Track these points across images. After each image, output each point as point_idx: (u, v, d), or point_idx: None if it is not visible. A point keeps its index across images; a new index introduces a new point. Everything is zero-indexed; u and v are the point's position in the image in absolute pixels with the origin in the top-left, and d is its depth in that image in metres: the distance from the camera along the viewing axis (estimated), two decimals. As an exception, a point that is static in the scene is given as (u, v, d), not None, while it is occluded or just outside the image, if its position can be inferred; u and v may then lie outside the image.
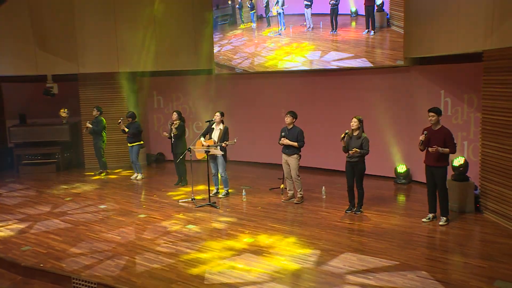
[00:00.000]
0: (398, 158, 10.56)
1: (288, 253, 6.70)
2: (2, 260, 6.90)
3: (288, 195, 9.33)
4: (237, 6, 12.23)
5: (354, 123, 8.20)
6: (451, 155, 7.71)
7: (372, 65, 10.07)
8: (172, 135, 10.54)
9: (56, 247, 7.21)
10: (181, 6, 12.73)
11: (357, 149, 8.02)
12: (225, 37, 12.59)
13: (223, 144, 9.32)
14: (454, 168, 8.37)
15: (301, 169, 10.47)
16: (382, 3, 9.71)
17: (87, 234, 7.77)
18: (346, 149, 8.24)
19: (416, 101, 10.01)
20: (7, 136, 13.35)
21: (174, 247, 7.07)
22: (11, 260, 6.80)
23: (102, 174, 12.28)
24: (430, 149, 7.47)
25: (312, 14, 10.92)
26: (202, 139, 9.56)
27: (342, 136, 8.21)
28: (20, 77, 12.83)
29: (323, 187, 9.70)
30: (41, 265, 6.53)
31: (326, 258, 6.46)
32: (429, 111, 7.60)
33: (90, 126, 11.94)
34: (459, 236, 7.19)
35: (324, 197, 9.51)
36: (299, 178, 9.06)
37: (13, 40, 12.02)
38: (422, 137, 7.56)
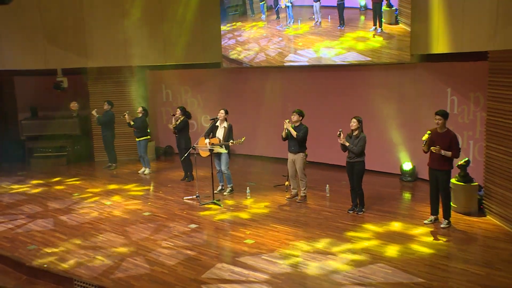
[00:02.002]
0: (403, 156, 10.49)
1: (287, 256, 6.75)
2: (8, 259, 7.09)
3: (292, 193, 9.36)
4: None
5: (353, 123, 8.20)
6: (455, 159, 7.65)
7: (378, 62, 9.97)
8: (174, 128, 10.62)
9: (60, 246, 7.37)
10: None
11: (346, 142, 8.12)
12: (235, 29, 12.53)
13: (230, 143, 9.36)
14: (457, 167, 8.29)
15: (308, 164, 10.47)
16: (390, -2, 9.58)
17: (91, 232, 7.92)
18: (344, 148, 8.24)
19: (423, 98, 9.92)
20: (19, 129, 13.56)
21: (175, 248, 7.17)
22: (17, 259, 6.98)
23: (111, 168, 12.45)
24: (432, 148, 7.40)
25: (321, 7, 10.78)
26: (207, 140, 9.58)
27: (338, 133, 8.24)
28: (31, 70, 12.98)
29: (327, 185, 9.71)
30: (45, 265, 6.69)
31: (324, 263, 6.51)
32: (436, 113, 7.49)
33: (96, 115, 12.11)
34: (460, 240, 7.16)
35: (328, 195, 9.53)
36: (305, 177, 9.08)
37: (23, 35, 12.13)
38: (424, 137, 7.47)
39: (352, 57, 10.38)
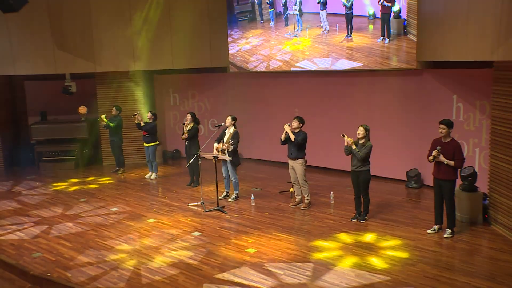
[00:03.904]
0: (409, 162, 10.43)
1: (287, 266, 6.75)
2: (13, 267, 7.19)
3: (296, 200, 9.37)
4: (256, 2, 12.13)
5: (360, 131, 8.16)
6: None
7: (387, 62, 9.91)
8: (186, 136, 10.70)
9: (64, 254, 7.46)
10: (196, 4, 12.72)
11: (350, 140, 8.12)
12: (244, 36, 12.53)
13: (224, 146, 9.41)
14: (462, 177, 8.21)
15: (314, 169, 10.47)
16: (399, 10, 9.47)
17: (96, 240, 8.00)
18: (348, 152, 8.26)
19: (429, 105, 9.86)
20: (29, 133, 13.72)
21: (178, 256, 7.22)
22: (22, 267, 7.08)
23: (118, 172, 12.56)
24: (434, 152, 7.36)
25: (329, 14, 10.73)
26: (216, 145, 9.65)
27: (342, 135, 8.33)
28: (41, 75, 13.16)
29: (332, 192, 9.70)
30: (48, 274, 6.78)
31: (324, 273, 6.50)
32: (440, 123, 7.44)
33: (105, 120, 12.22)
34: (463, 251, 7.11)
35: (332, 202, 9.51)
36: (306, 184, 9.08)
37: (33, 40, 12.31)
38: (435, 153, 7.40)
39: (358, 65, 10.35)
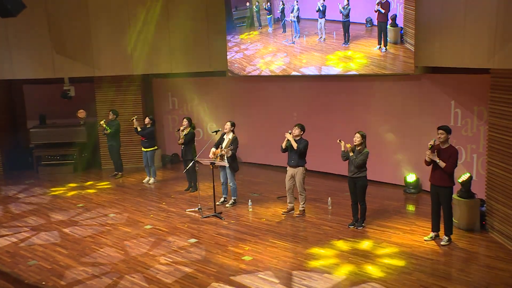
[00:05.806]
0: (407, 167, 10.39)
1: (283, 275, 6.73)
2: (8, 275, 7.17)
3: (288, 207, 9.29)
4: (255, 8, 12.10)
5: (357, 138, 8.13)
6: (458, 172, 7.56)
7: (384, 72, 9.89)
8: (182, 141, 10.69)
9: (60, 262, 7.44)
10: (195, 8, 12.71)
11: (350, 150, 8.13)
12: (242, 42, 12.50)
13: (223, 152, 9.38)
14: (459, 183, 8.18)
15: (312, 173, 10.42)
16: (395, 17, 9.44)
17: (92, 247, 7.98)
18: (345, 157, 8.24)
19: (427, 110, 9.83)
20: (28, 137, 13.72)
21: (173, 264, 7.20)
22: (16, 276, 7.06)
23: (117, 176, 12.54)
24: (431, 141, 7.36)
25: (327, 21, 10.69)
26: (213, 149, 9.64)
27: (338, 141, 8.35)
28: (40, 79, 13.14)
29: (329, 198, 9.67)
30: (43, 283, 6.77)
31: (319, 283, 6.46)
32: (439, 128, 7.42)
33: (104, 125, 12.19)
34: (459, 259, 7.08)
35: (330, 208, 9.48)
36: (304, 192, 9.03)
37: (32, 45, 12.31)
38: (432, 142, 7.38)
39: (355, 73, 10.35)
